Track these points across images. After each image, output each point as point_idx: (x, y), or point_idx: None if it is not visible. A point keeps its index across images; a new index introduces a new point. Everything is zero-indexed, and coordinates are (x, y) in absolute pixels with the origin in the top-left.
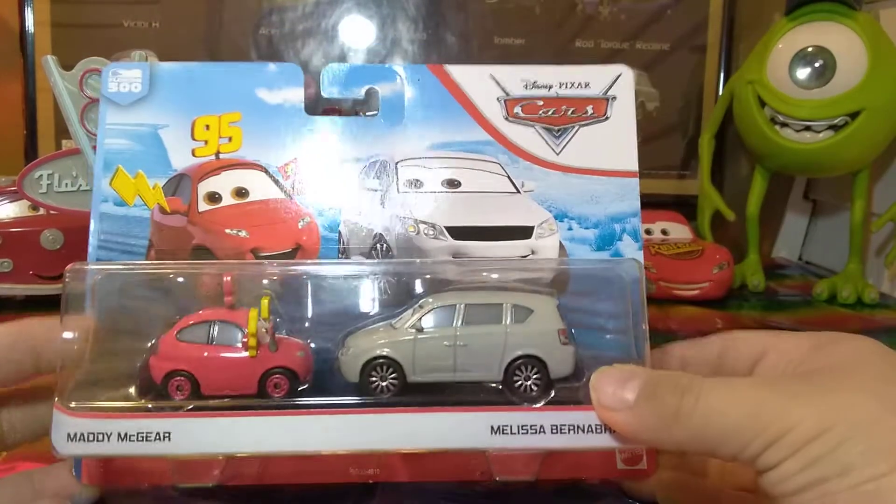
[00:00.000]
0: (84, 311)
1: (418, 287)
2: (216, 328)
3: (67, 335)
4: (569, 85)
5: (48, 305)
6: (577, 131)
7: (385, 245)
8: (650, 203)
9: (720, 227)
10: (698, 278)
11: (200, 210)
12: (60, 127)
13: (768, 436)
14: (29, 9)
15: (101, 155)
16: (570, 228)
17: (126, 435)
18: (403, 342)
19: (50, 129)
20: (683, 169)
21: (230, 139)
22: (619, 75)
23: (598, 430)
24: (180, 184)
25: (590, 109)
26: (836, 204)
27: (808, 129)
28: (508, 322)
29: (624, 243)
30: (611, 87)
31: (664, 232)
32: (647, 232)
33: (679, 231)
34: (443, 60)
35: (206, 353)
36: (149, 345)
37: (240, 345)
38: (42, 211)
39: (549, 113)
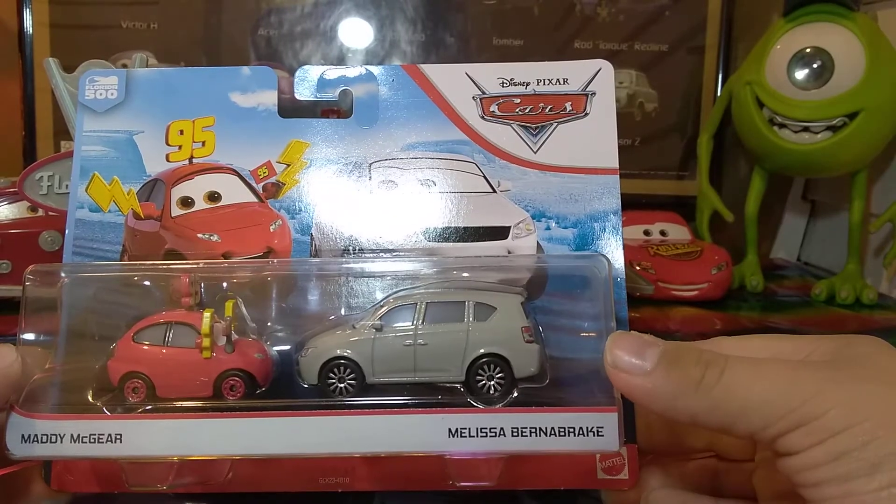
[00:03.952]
0: (44, 312)
1: (384, 284)
2: (172, 330)
3: (27, 336)
4: (546, 82)
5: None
6: (555, 129)
7: (358, 247)
8: (649, 204)
9: (719, 228)
10: (697, 279)
11: (173, 215)
12: (59, 128)
13: (796, 417)
14: (28, 10)
15: (78, 162)
16: (548, 228)
17: (78, 436)
18: (362, 342)
19: (48, 131)
20: (682, 170)
21: (203, 143)
22: (599, 70)
23: (561, 433)
24: (154, 189)
25: (568, 106)
26: (834, 204)
27: (806, 129)
28: (470, 320)
29: (604, 242)
30: (590, 82)
31: (663, 233)
32: (646, 233)
33: (678, 232)
34: (441, 61)
35: (160, 355)
36: (111, 347)
37: (195, 346)
38: (41, 212)
39: (527, 111)
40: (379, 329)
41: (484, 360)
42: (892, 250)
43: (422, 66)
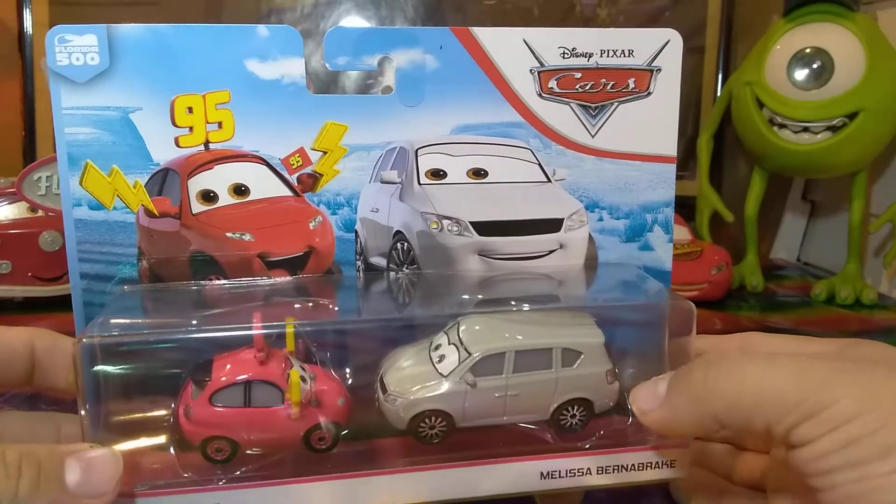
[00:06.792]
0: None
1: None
2: (251, 390)
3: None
4: (611, 53)
5: (47, 307)
6: (615, 109)
7: (406, 244)
8: None
9: (719, 228)
10: (697, 279)
11: (194, 211)
12: None
13: (806, 408)
14: (27, 10)
15: (63, 148)
16: (600, 219)
17: None
18: (454, 394)
19: (48, 131)
20: (682, 170)
21: (220, 125)
22: (668, 42)
23: (640, 468)
24: (166, 181)
25: (631, 83)
26: (834, 205)
27: (806, 130)
28: (558, 367)
29: (654, 234)
30: (657, 56)
31: None
32: None
33: (678, 232)
34: None
35: (243, 417)
36: (175, 403)
37: (280, 406)
38: (41, 212)
39: (587, 88)
40: (472, 385)
41: (569, 402)
42: (892, 250)
43: (474, 29)
